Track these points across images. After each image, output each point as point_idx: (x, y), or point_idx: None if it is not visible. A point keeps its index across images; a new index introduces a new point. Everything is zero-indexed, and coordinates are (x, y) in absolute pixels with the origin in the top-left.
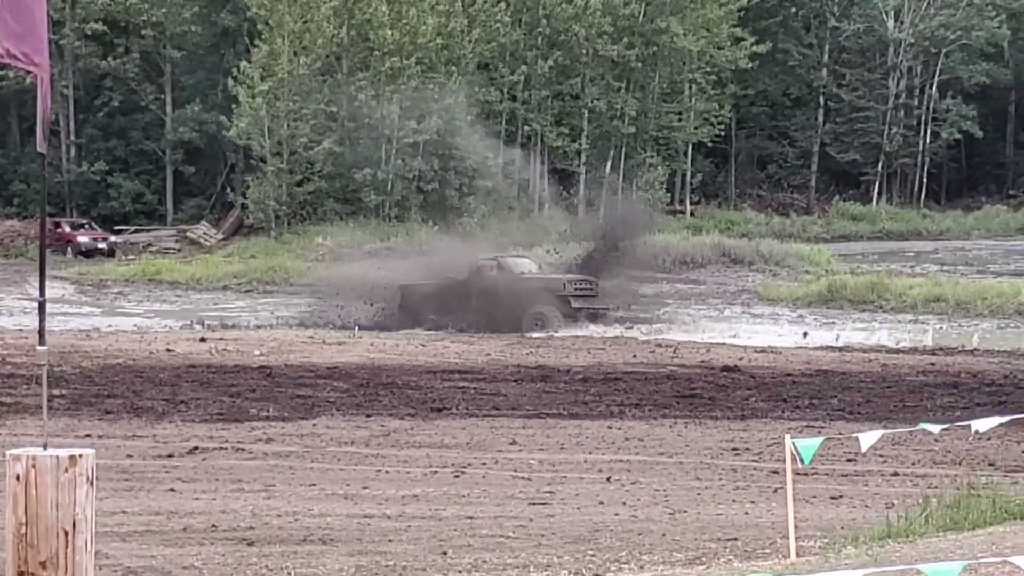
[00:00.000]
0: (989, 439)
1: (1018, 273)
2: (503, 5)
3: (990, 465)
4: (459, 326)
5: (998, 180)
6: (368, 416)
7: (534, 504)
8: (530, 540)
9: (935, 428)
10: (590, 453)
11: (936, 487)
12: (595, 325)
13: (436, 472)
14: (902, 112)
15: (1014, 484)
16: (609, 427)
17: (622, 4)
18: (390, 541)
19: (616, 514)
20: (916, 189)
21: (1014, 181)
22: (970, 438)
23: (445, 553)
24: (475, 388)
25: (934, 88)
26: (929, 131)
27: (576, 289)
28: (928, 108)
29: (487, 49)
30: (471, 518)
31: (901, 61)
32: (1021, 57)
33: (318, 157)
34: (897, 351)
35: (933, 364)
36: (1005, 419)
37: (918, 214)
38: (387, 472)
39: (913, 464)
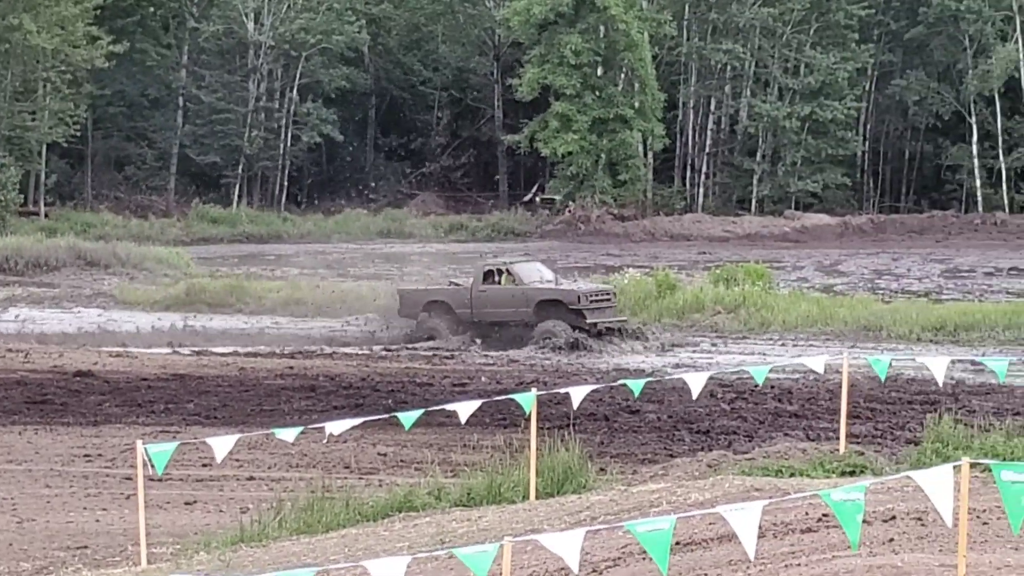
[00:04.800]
0: (345, 441)
1: (377, 276)
2: None
3: (345, 467)
4: (460, 338)
5: (359, 184)
6: None
7: None
8: None
9: (289, 434)
10: None
11: (291, 490)
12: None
13: None
14: (263, 115)
15: (368, 486)
16: None
17: None
18: None
19: None
20: (277, 192)
21: (374, 185)
22: (325, 441)
23: None
24: None
25: (295, 91)
26: (290, 134)
27: (591, 301)
28: (289, 111)
29: None
30: None
31: (262, 64)
32: (381, 62)
33: None
34: (255, 355)
35: (291, 368)
36: (359, 421)
37: (279, 217)
38: None
39: (269, 468)
